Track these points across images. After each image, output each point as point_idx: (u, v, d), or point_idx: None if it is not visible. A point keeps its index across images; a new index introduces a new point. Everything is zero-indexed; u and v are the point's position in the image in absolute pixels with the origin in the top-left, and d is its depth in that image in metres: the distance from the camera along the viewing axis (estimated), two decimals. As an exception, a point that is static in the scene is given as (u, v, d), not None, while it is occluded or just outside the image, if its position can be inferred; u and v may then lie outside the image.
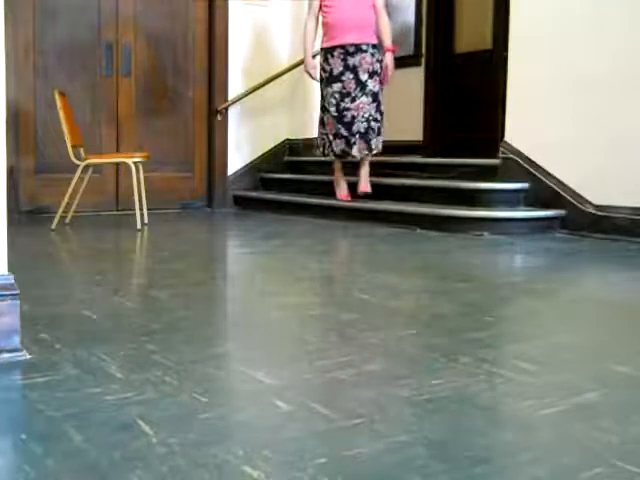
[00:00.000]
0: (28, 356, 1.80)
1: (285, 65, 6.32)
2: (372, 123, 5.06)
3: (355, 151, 5.08)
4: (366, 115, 5.04)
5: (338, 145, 5.12)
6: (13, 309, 1.79)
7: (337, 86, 5.08)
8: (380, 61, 5.09)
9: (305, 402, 1.52)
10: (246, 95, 6.18)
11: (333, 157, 5.23)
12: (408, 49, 6.82)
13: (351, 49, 5.05)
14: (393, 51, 5.14)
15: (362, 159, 5.14)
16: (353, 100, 5.04)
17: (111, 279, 3.05)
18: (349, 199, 5.19)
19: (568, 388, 1.62)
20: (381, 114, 5.14)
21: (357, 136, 5.06)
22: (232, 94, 6.17)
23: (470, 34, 6.36)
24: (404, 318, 2.39)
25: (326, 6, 5.09)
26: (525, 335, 2.16)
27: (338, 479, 1.17)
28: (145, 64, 5.94)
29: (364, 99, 5.03)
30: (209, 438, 1.32)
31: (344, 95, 5.07)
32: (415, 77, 6.74)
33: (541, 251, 3.84)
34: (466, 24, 6.42)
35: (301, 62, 6.22)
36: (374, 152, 5.12)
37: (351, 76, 5.04)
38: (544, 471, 1.21)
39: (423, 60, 6.70)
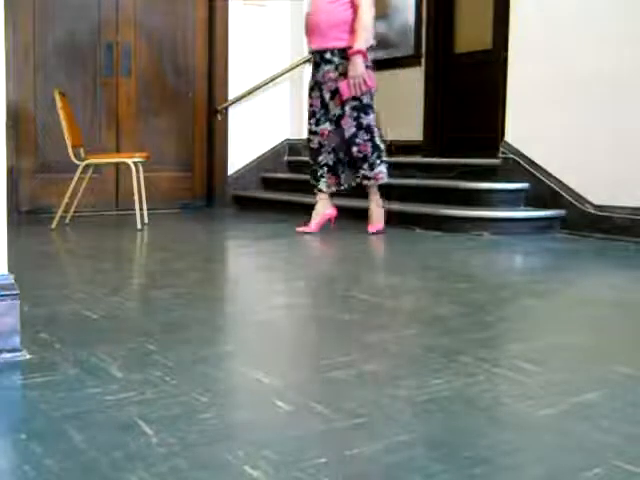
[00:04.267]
0: (28, 356, 1.80)
1: (285, 65, 6.32)
2: (340, 154, 4.36)
3: (322, 185, 4.40)
4: (330, 147, 4.34)
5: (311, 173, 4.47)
6: (13, 309, 1.79)
7: (308, 102, 4.43)
8: (345, 74, 4.14)
9: (305, 402, 1.52)
10: (246, 95, 6.18)
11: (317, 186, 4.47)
12: (408, 49, 6.82)
13: (317, 58, 4.28)
14: (360, 53, 4.06)
15: (369, 192, 4.39)
16: (317, 123, 4.32)
17: (111, 279, 3.04)
18: (309, 230, 4.37)
19: (568, 388, 1.62)
20: (348, 145, 4.26)
21: (325, 169, 4.38)
22: (232, 94, 6.17)
23: (470, 34, 6.36)
24: (404, 318, 2.39)
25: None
26: (525, 335, 2.16)
27: (338, 479, 1.17)
28: (145, 64, 5.94)
29: (328, 126, 4.29)
30: (209, 438, 1.32)
31: (310, 115, 4.37)
32: (415, 77, 6.74)
33: (541, 251, 3.84)
34: (466, 24, 6.42)
35: (301, 62, 6.25)
36: (343, 188, 4.42)
37: (318, 94, 4.31)
38: (544, 471, 1.21)
39: (423, 60, 6.70)
